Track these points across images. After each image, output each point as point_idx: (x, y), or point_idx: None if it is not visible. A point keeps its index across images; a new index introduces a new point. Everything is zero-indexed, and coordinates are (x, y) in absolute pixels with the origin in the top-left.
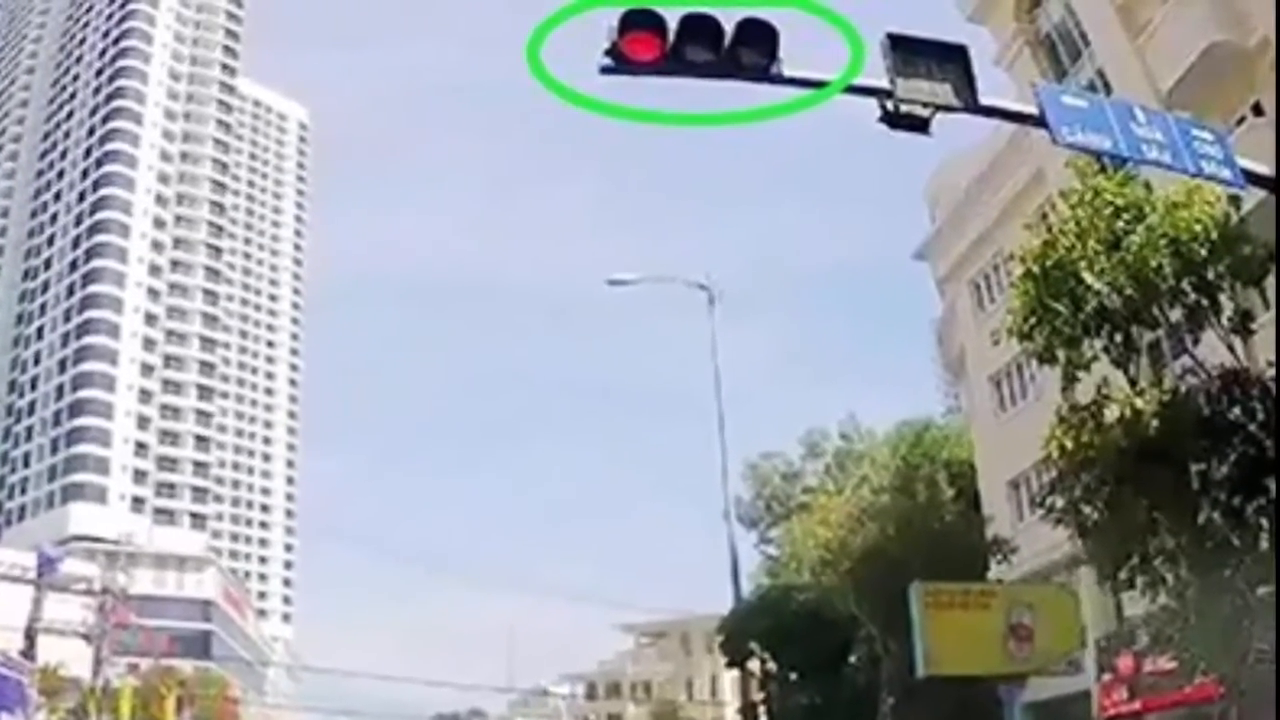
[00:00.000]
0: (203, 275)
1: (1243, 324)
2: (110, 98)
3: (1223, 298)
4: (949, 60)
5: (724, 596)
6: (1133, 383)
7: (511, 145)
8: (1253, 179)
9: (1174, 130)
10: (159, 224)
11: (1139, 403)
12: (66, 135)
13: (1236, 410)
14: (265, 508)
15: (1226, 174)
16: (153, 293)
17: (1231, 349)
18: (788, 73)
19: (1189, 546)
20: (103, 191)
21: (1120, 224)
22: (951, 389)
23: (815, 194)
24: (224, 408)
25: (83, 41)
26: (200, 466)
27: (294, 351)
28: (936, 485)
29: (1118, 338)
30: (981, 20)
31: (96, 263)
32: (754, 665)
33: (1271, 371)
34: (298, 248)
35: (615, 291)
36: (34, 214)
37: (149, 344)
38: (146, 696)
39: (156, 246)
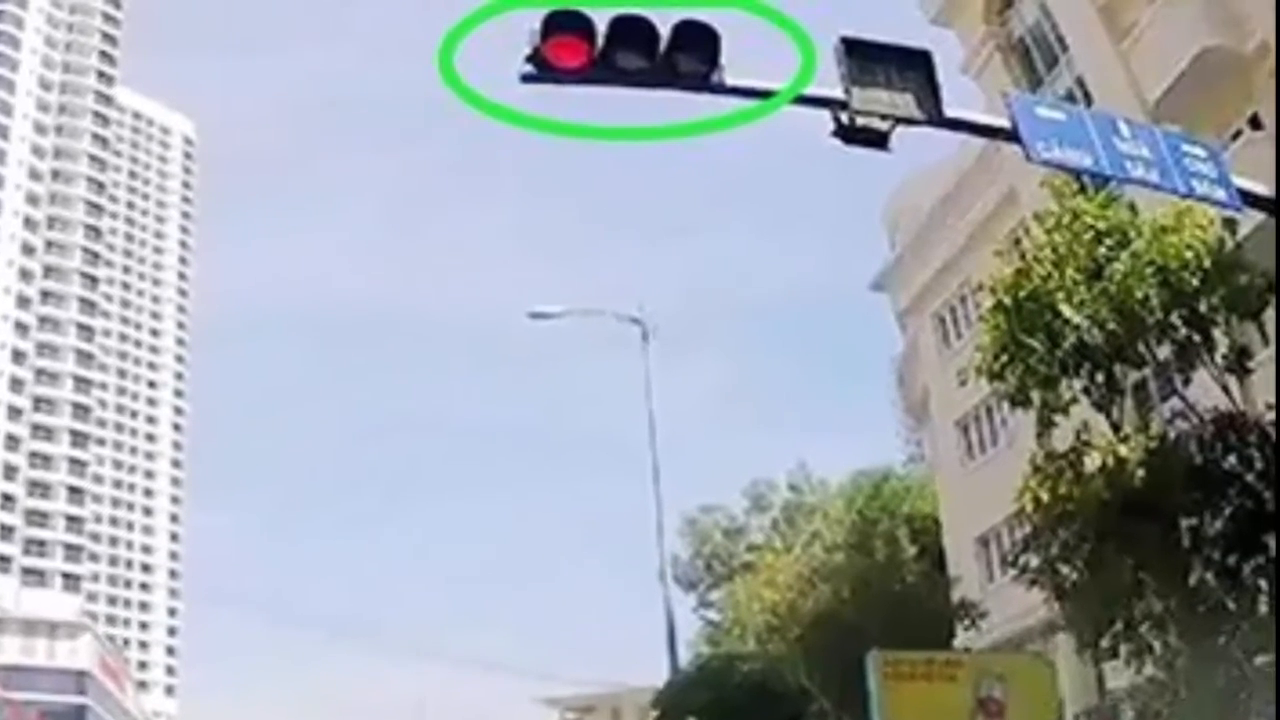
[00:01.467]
0: (77, 307)
1: (1239, 362)
2: None
3: (1216, 333)
4: (910, 67)
5: (659, 667)
6: (1116, 428)
7: (422, 163)
8: (1250, 200)
9: (1162, 145)
10: (27, 250)
11: (1123, 450)
12: None
13: (1232, 458)
14: (147, 567)
15: (1221, 194)
16: (20, 327)
17: (1226, 390)
18: (730, 81)
19: (1179, 611)
20: None
21: (1102, 250)
22: (913, 435)
23: (760, 218)
24: (100, 456)
25: None
26: (74, 521)
27: (179, 393)
28: (896, 542)
29: (1099, 377)
30: (947, 23)
31: None
32: None
33: (1271, 415)
34: (183, 277)
35: (538, 326)
36: None
37: (16, 385)
38: None
39: (25, 275)
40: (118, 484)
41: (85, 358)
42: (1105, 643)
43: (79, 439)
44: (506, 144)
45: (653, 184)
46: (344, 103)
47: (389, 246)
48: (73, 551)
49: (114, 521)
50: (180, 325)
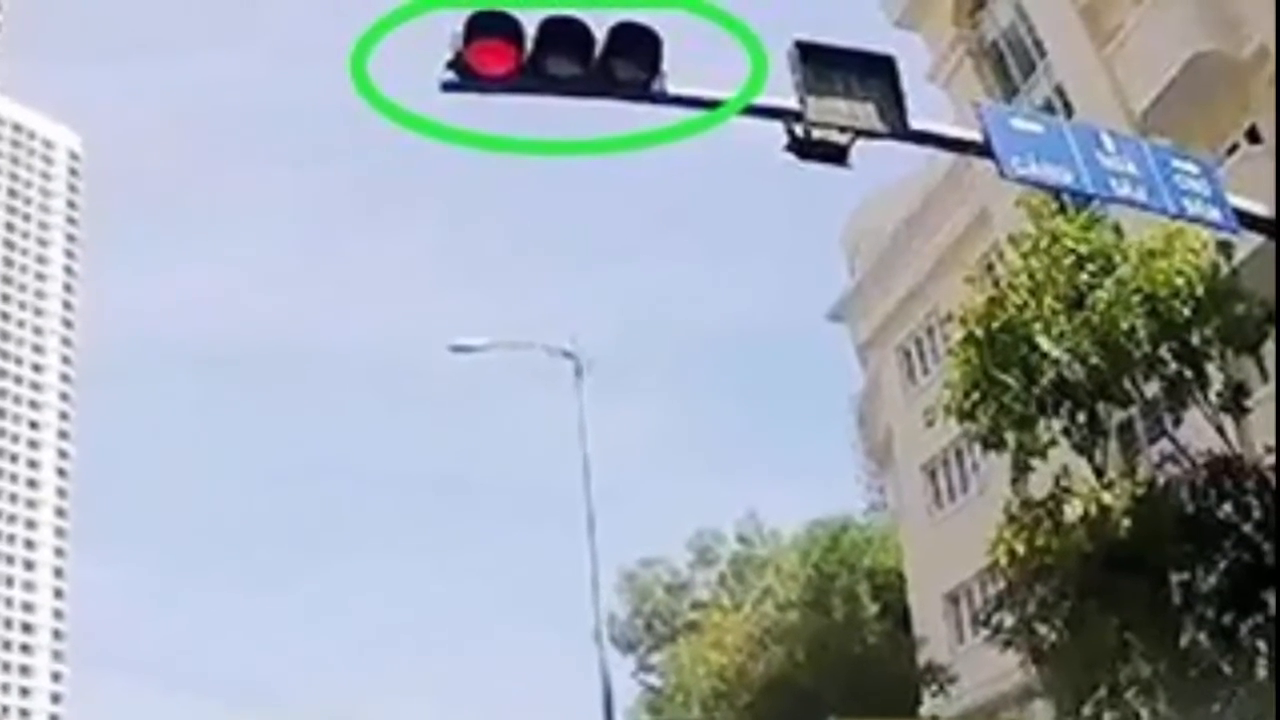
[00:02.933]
0: None
1: (1234, 400)
2: None
3: (1210, 368)
4: (872, 74)
5: None
6: (1099, 473)
7: (334, 180)
8: (1247, 221)
9: (1150, 161)
10: None
11: (1107, 498)
12: None
13: (1227, 507)
14: (28, 627)
15: (1215, 215)
16: None
17: (1221, 431)
18: (672, 90)
19: (1168, 675)
20: None
21: (1084, 277)
22: (875, 481)
23: (707, 242)
24: None
25: None
26: None
27: (63, 434)
28: (857, 599)
29: (1081, 417)
30: (912, 26)
31: None
32: None
33: (1270, 459)
34: (68, 306)
35: (460, 361)
36: None
37: None
38: None
39: None
40: None
41: None
42: (1088, 710)
43: None
44: (427, 160)
45: (587, 204)
46: (248, 113)
47: (297, 273)
48: None
49: None
50: (65, 359)
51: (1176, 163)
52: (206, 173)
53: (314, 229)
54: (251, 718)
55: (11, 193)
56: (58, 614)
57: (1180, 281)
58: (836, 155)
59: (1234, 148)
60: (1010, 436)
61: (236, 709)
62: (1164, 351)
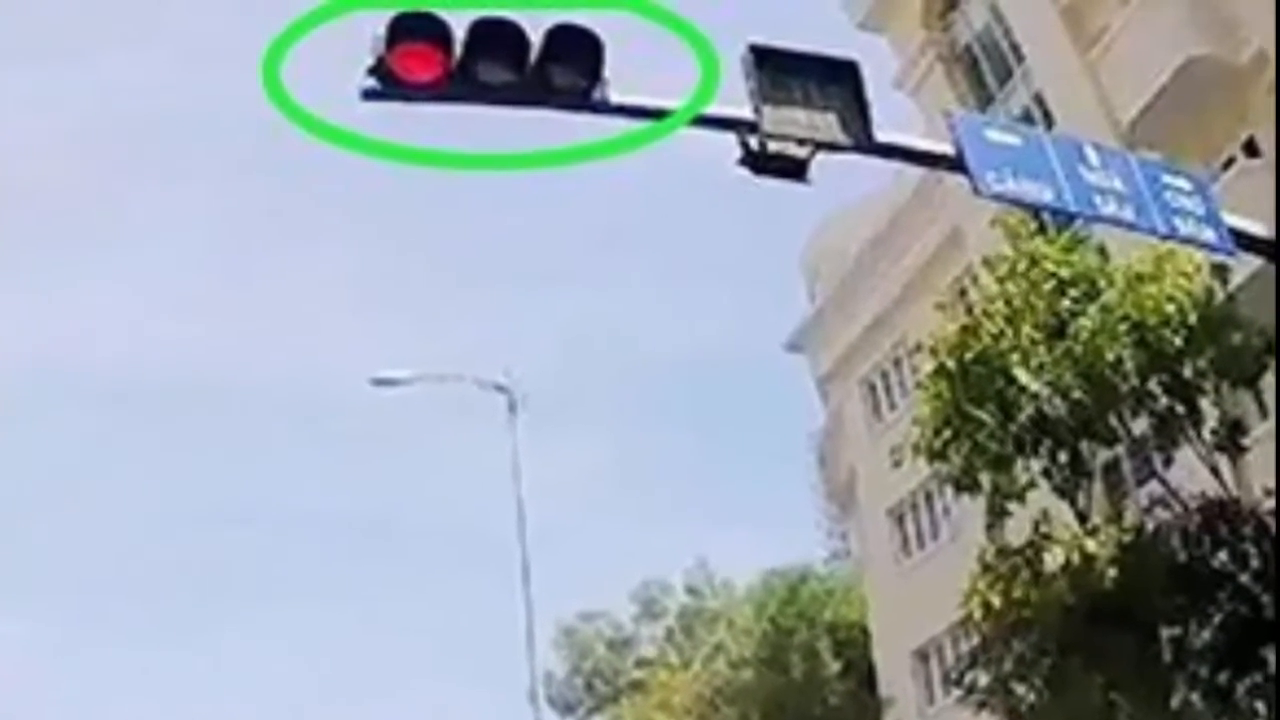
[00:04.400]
0: None
1: (1230, 438)
2: None
3: (1204, 403)
4: (834, 81)
5: None
6: (1082, 517)
7: (245, 197)
8: (1244, 242)
9: (1138, 176)
10: None
11: (1091, 545)
12: None
13: (1222, 555)
14: None
15: (1209, 235)
16: None
17: (1215, 472)
18: (615, 99)
19: None
20: None
21: (1066, 303)
22: (837, 526)
23: (653, 264)
24: None
25: None
26: None
27: None
28: (817, 656)
29: (1062, 457)
30: (878, 28)
31: None
32: None
33: (1269, 503)
34: None
35: (382, 396)
36: None
37: None
38: None
39: None
40: None
41: None
42: None
43: None
44: (346, 175)
45: (523, 224)
46: (154, 122)
47: (207, 297)
48: None
49: None
50: None
51: (1167, 178)
52: (110, 186)
53: (226, 249)
54: None
55: None
56: None
57: (1171, 308)
58: (795, 170)
59: (1230, 162)
60: (985, 478)
61: None
62: (1153, 385)
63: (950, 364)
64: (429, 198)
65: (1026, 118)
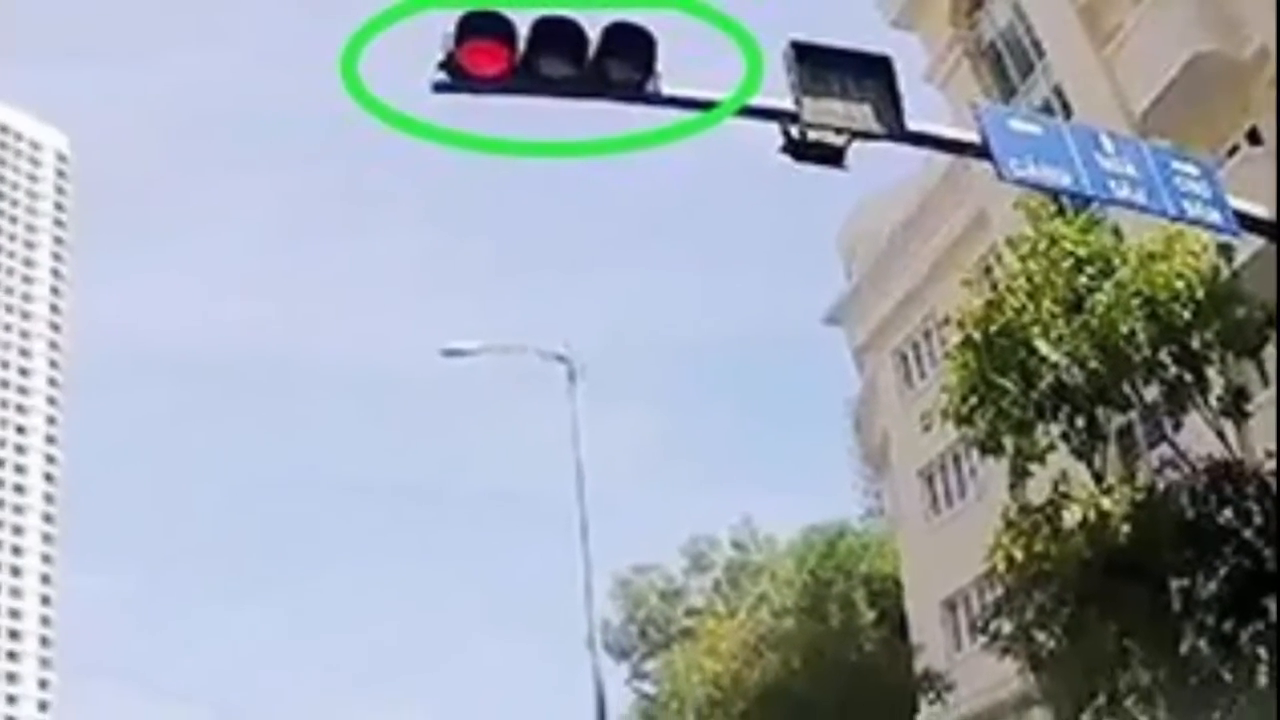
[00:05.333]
0: None
1: (1235, 404)
2: None
3: (1210, 372)
4: (869, 75)
5: None
6: (1098, 478)
7: (316, 184)
8: (1248, 224)
9: (1150, 163)
10: None
11: (1106, 503)
12: None
13: (1228, 512)
14: (15, 634)
15: (1215, 217)
16: None
17: (1221, 436)
18: (666, 91)
19: (1168, 682)
20: None
21: (1083, 280)
22: (871, 486)
23: (700, 246)
24: None
25: None
26: None
27: (50, 439)
28: (853, 606)
29: (1079, 422)
30: (909, 26)
31: None
32: None
33: (1271, 464)
34: (55, 309)
35: (445, 370)
36: None
37: None
38: None
39: None
40: None
41: None
42: (1086, 717)
43: None
44: (411, 164)
45: (578, 208)
46: (233, 115)
47: (281, 278)
48: None
49: None
50: (52, 363)
51: (1176, 164)
52: (192, 174)
53: (295, 234)
54: None
55: None
56: (45, 621)
57: (1180, 285)
58: (832, 157)
59: (1234, 149)
60: (1008, 441)
61: (222, 717)
62: (1164, 355)
63: (976, 336)
64: (489, 185)
65: (1046, 109)
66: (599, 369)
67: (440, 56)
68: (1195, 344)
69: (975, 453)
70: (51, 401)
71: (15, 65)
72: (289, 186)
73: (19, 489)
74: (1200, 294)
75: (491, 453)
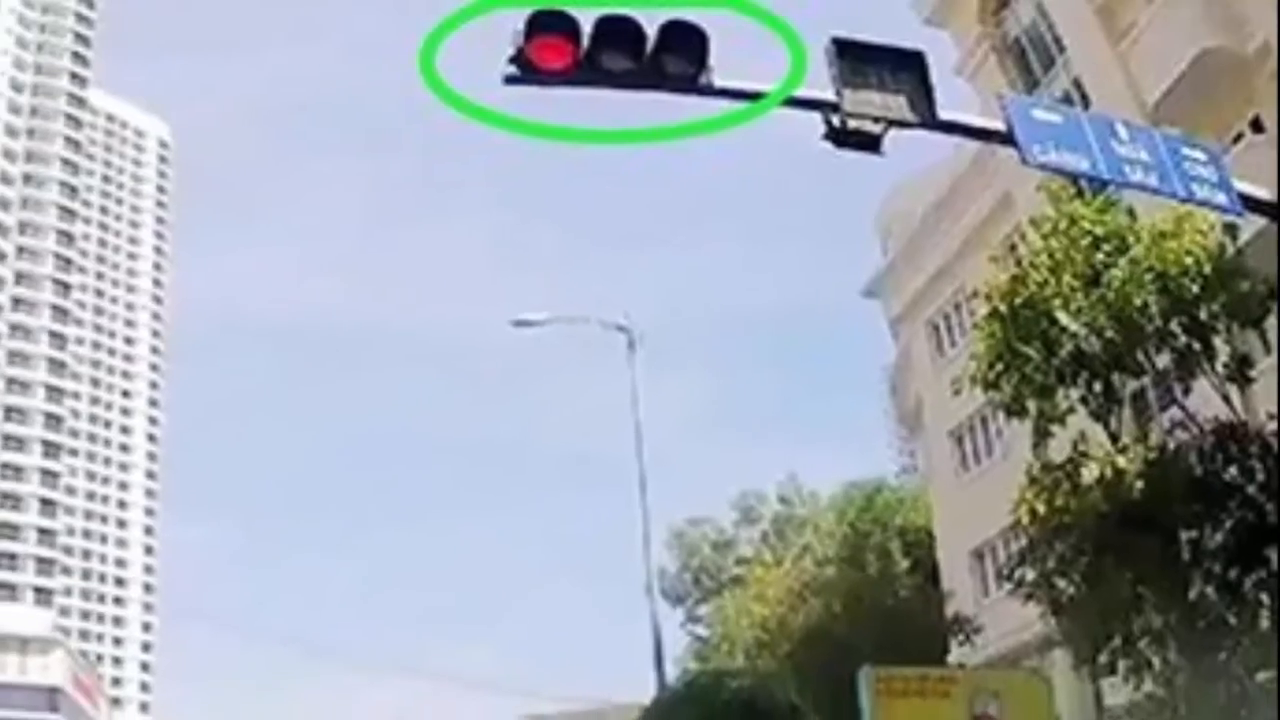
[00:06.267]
0: (49, 315)
1: (1240, 371)
2: None
3: (1217, 341)
4: (904, 69)
5: (646, 683)
6: (1114, 438)
7: (398, 169)
8: (1251, 205)
9: (1161, 149)
10: None
11: (1121, 461)
12: None
13: (1233, 470)
14: (120, 581)
15: (1221, 199)
16: None
17: (1227, 399)
18: (718, 83)
19: (1178, 626)
20: None
21: (1100, 256)
22: (906, 446)
23: (748, 225)
24: (73, 467)
25: None
26: (46, 534)
27: (153, 403)
28: (889, 555)
29: (1097, 387)
30: (941, 23)
31: None
32: None
33: (1272, 425)
34: (157, 284)
35: (514, 339)
36: None
37: None
38: None
39: None
40: (91, 495)
41: (58, 366)
42: (1103, 658)
43: (51, 449)
44: (483, 151)
45: (635, 192)
46: (320, 105)
47: (364, 254)
48: (45, 565)
49: (87, 534)
50: (155, 333)
51: (1185, 150)
52: (283, 160)
53: (382, 214)
54: (325, 665)
55: (106, 178)
56: (148, 569)
57: (1189, 261)
58: (870, 144)
59: (1239, 137)
60: (1031, 404)
61: (311, 658)
62: (1174, 325)
63: (1002, 308)
64: (556, 171)
65: (1066, 99)
66: (656, 338)
67: (510, 52)
68: (1203, 315)
69: (1001, 415)
70: (154, 368)
71: (122, 59)
72: (372, 171)
73: (125, 448)
74: (1208, 269)
75: (558, 415)
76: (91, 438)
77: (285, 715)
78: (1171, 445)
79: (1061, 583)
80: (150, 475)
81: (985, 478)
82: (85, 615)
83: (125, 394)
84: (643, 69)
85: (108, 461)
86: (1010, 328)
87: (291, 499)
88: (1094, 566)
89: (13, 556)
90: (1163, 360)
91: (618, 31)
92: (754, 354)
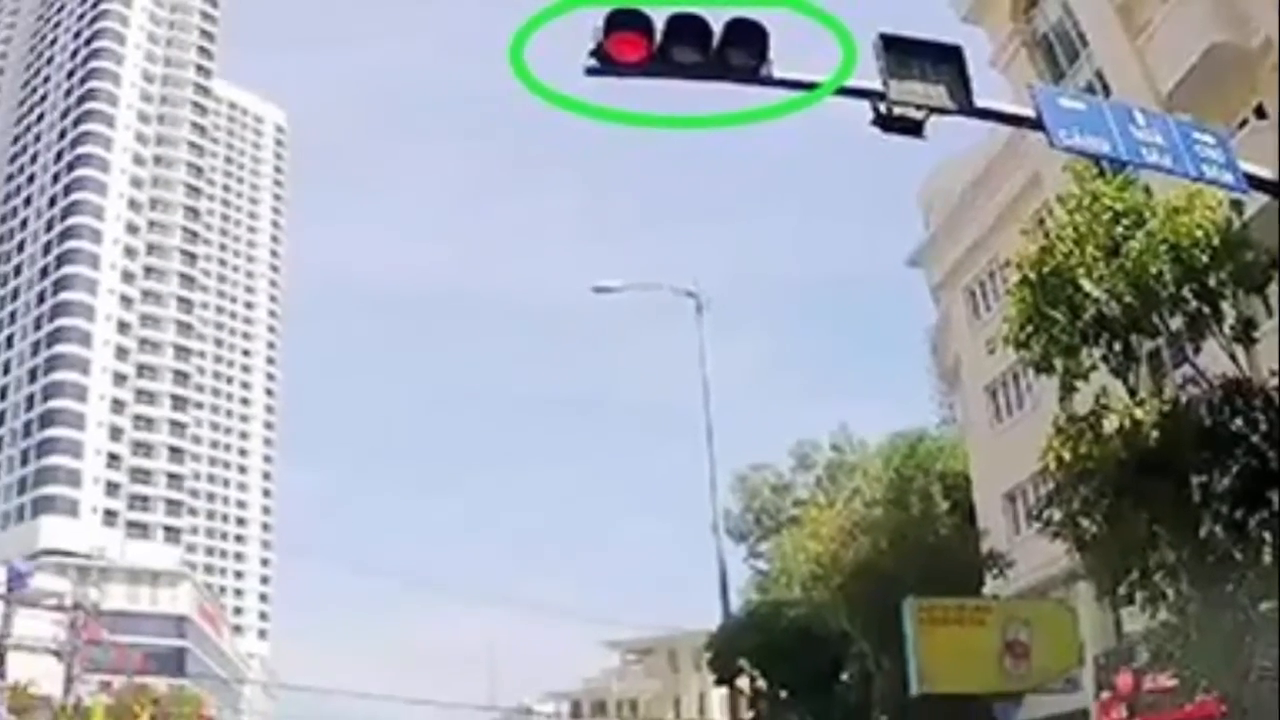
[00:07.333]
0: (177, 282)
1: (1245, 332)
2: (82, 100)
3: (1224, 305)
4: (943, 61)
5: (712, 612)
6: (1132, 393)
7: (489, 152)
8: (1255, 183)
9: (1174, 133)
10: (132, 229)
11: (1138, 413)
12: (36, 139)
13: (1238, 421)
14: (241, 521)
15: (1228, 178)
16: (125, 300)
17: (1233, 358)
18: (777, 74)
19: (1190, 561)
20: (74, 196)
21: (1119, 229)
22: (946, 399)
23: (804, 201)
24: (199, 418)
25: (53, 42)
26: (174, 479)
27: (270, 360)
28: (930, 498)
29: (1117, 346)
30: (977, 21)
31: (68, 269)
32: (743, 683)
33: (1274, 381)
34: (274, 254)
35: (595, 303)
36: (3, 219)
37: (121, 352)
38: (119, 715)
39: (129, 252)
40: (215, 444)
41: (185, 328)
42: (1122, 590)
43: (179, 403)
44: (567, 135)
45: (703, 171)
46: (419, 94)
47: (458, 229)
48: (173, 506)
49: (211, 479)
50: (272, 298)
51: (1196, 134)
52: (387, 143)
53: (473, 192)
54: (423, 596)
55: (228, 159)
56: (265, 509)
57: (1199, 233)
58: (914, 128)
59: (1244, 122)
60: (1058, 362)
61: (412, 589)
62: (1186, 292)
63: (1032, 276)
64: (631, 153)
65: (1089, 89)
66: (722, 302)
67: (590, 46)
68: (1212, 282)
69: (1031, 372)
70: (271, 329)
71: (243, 53)
72: (468, 153)
73: (245, 401)
74: (1216, 241)
75: (634, 371)
76: (215, 392)
77: (389, 640)
78: (1184, 399)
79: (1085, 522)
80: (268, 425)
81: (1016, 428)
82: (210, 551)
83: (245, 353)
84: (709, 62)
85: (229, 413)
86: (1039, 293)
87: (394, 446)
88: (1114, 508)
89: (145, 499)
90: (1176, 323)
91: (687, 28)
92: (810, 317)
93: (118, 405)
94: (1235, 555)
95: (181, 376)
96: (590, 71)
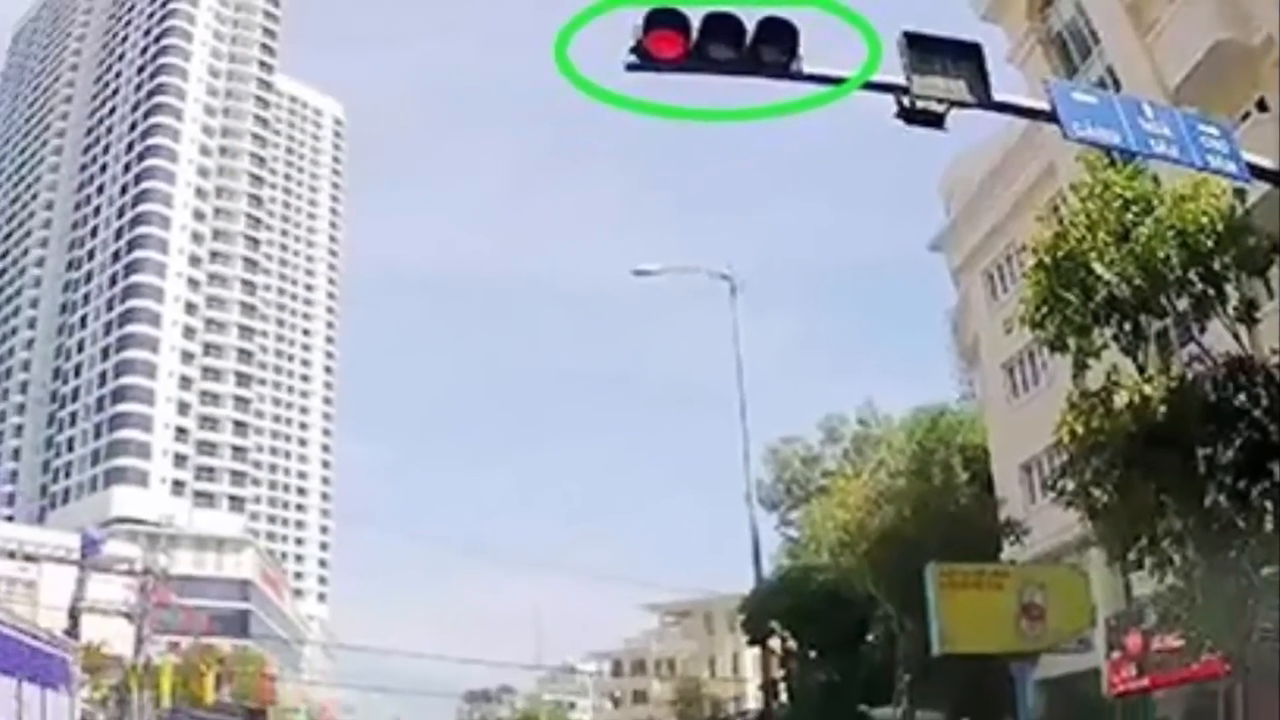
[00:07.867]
0: (241, 265)
1: (1248, 313)
2: (151, 94)
3: (1228, 287)
4: (963, 58)
5: (746, 577)
6: (1141, 370)
7: (533, 144)
8: (1257, 173)
9: (1181, 125)
10: (199, 216)
11: (1147, 389)
12: (109, 131)
13: (1242, 396)
14: (302, 491)
15: (1232, 168)
16: (192, 282)
17: (1237, 337)
18: (807, 69)
19: (1195, 528)
20: (144, 185)
21: (1129, 216)
22: (966, 376)
23: (831, 190)
24: (262, 394)
25: (125, 40)
26: (239, 451)
27: (329, 339)
28: (951, 469)
29: (1127, 326)
30: (995, 19)
31: (138, 253)
32: (775, 643)
33: (1276, 359)
34: (333, 239)
35: (635, 286)
36: (78, 206)
37: (189, 332)
38: (186, 674)
39: (196, 238)
40: (277, 418)
41: (248, 309)
42: (1132, 556)
43: (243, 379)
44: (607, 128)
45: (738, 162)
46: (467, 88)
47: (504, 216)
48: (238, 477)
49: (273, 451)
50: (330, 281)
51: (1202, 127)
52: (440, 135)
53: (522, 181)
54: (474, 562)
55: (289, 150)
56: (325, 480)
57: (1205, 220)
58: (936, 121)
59: (1247, 115)
60: (1071, 341)
61: (464, 556)
62: (1192, 275)
63: (1046, 260)
64: (669, 144)
65: (1101, 84)
66: (754, 284)
67: (631, 43)
68: (1216, 266)
69: (1046, 350)
70: (330, 310)
71: (303, 49)
72: (515, 145)
73: (305, 378)
74: (1220, 227)
75: (671, 350)
76: (277, 369)
77: (441, 604)
78: (1190, 376)
79: (1096, 492)
80: (327, 401)
81: (1032, 403)
82: (272, 519)
83: (305, 332)
84: (743, 58)
85: (291, 389)
86: (1053, 276)
87: (445, 421)
88: (1124, 478)
89: (211, 470)
90: (1182, 304)
91: (722, 26)
92: (837, 299)
93: (185, 382)
94: (1238, 523)
95: (245, 355)
96: (630, 67)
